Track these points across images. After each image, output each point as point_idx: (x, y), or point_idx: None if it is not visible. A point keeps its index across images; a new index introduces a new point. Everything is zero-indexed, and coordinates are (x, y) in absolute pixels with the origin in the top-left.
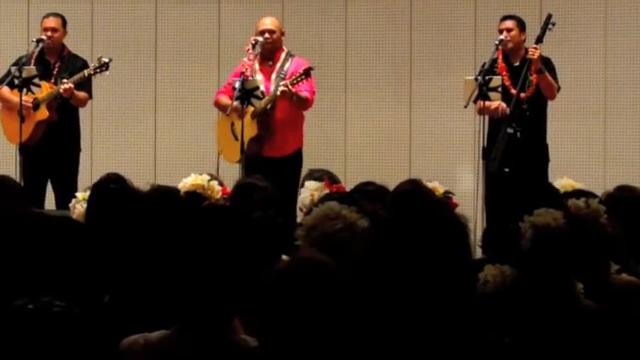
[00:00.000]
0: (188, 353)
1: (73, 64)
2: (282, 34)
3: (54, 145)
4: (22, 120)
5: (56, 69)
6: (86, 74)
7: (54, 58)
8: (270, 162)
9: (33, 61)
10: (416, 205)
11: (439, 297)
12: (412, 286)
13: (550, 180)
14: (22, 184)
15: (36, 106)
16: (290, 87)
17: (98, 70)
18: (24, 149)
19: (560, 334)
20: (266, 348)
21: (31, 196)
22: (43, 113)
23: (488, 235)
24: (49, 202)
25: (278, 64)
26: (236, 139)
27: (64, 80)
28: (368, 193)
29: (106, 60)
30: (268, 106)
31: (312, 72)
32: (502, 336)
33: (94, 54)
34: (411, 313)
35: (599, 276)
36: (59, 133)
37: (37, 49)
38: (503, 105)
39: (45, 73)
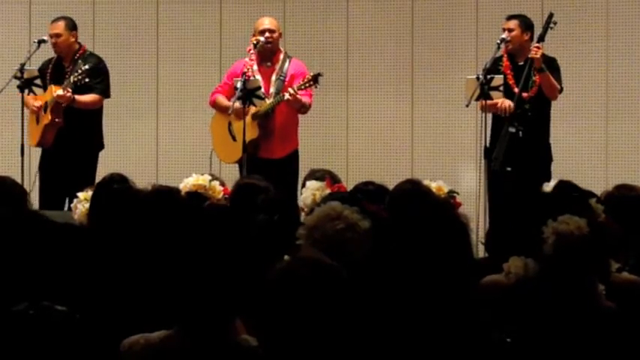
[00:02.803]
0: (189, 353)
1: (85, 63)
2: (280, 34)
3: (66, 150)
4: (37, 122)
5: (68, 73)
6: (72, 80)
7: (68, 62)
8: (269, 163)
9: (51, 66)
10: (415, 205)
11: (440, 296)
12: (413, 286)
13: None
14: (40, 187)
15: (45, 109)
16: (297, 95)
17: (80, 77)
18: (43, 152)
19: (580, 333)
20: (266, 348)
21: (50, 201)
22: (46, 117)
23: (492, 235)
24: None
25: (277, 66)
26: (234, 139)
27: (67, 87)
28: (367, 193)
29: (86, 67)
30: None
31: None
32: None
33: None
34: (411, 312)
35: (600, 275)
36: (69, 138)
37: (43, 53)
38: (507, 103)
39: (60, 78)
